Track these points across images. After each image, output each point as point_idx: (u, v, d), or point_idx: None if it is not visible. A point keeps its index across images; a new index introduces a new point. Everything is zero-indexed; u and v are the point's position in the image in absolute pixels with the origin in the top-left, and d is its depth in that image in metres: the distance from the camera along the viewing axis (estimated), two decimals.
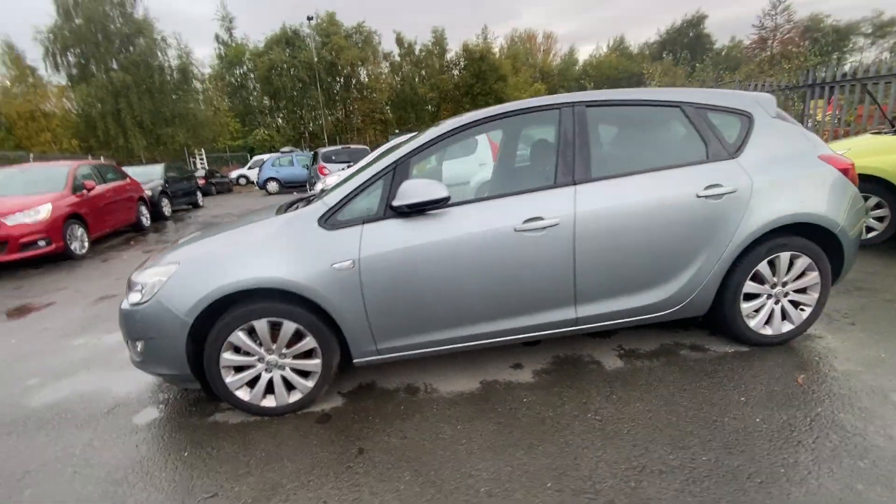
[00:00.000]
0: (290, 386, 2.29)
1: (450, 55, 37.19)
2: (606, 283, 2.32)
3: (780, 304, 2.51)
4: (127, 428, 2.32)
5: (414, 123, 34.66)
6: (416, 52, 36.10)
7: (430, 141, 2.30)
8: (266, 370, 2.25)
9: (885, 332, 2.62)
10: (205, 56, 43.69)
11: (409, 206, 2.11)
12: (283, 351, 2.23)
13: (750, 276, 2.42)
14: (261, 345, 2.21)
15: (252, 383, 2.26)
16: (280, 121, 34.27)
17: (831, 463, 1.70)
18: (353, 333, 2.22)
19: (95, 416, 2.44)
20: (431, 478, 1.80)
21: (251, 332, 2.18)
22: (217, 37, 32.15)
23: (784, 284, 2.48)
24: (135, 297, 2.21)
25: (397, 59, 36.16)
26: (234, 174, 23.85)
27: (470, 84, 34.33)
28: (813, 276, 2.46)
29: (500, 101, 36.82)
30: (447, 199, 2.13)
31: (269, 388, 2.28)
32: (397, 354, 2.31)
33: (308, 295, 2.12)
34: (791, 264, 2.44)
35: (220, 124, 29.89)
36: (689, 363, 2.47)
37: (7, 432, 2.36)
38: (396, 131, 29.54)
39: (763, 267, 2.41)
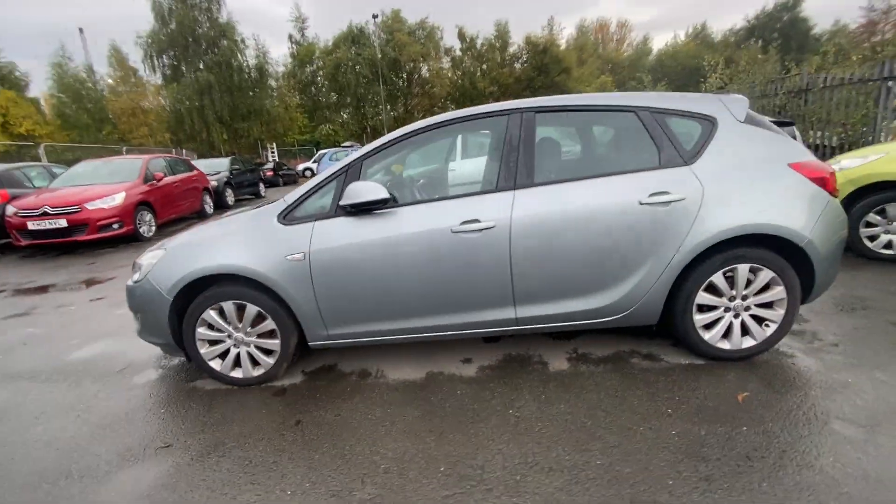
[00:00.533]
0: (255, 361, 2.59)
1: (512, 48, 36.74)
2: (545, 286, 2.37)
3: (740, 318, 2.40)
4: (127, 385, 2.75)
5: None
6: (478, 47, 36.01)
7: (381, 146, 2.48)
8: (234, 346, 2.57)
9: (866, 358, 2.40)
10: (279, 55, 46.63)
11: (353, 206, 2.31)
12: (248, 330, 2.53)
13: (704, 288, 2.34)
14: (229, 323, 2.52)
15: (223, 356, 2.59)
16: (345, 116, 35.85)
17: (729, 481, 1.67)
18: (306, 319, 2.47)
19: (108, 373, 2.92)
20: (344, 451, 2.00)
21: (221, 312, 2.50)
22: (290, 37, 34.28)
23: (744, 298, 2.37)
24: (135, 275, 2.62)
25: (458, 53, 36.32)
26: (300, 167, 25.45)
27: (531, 77, 33.70)
28: (778, 291, 2.33)
29: (562, 94, 35.91)
30: (387, 200, 2.30)
31: (238, 362, 2.59)
32: (347, 341, 2.53)
33: (265, 282, 2.39)
34: (751, 277, 2.32)
35: (290, 119, 31.97)
36: (635, 371, 2.45)
37: (44, 379, 2.90)
38: None
39: (718, 278, 2.32)
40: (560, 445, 1.92)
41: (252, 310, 2.47)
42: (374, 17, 32.19)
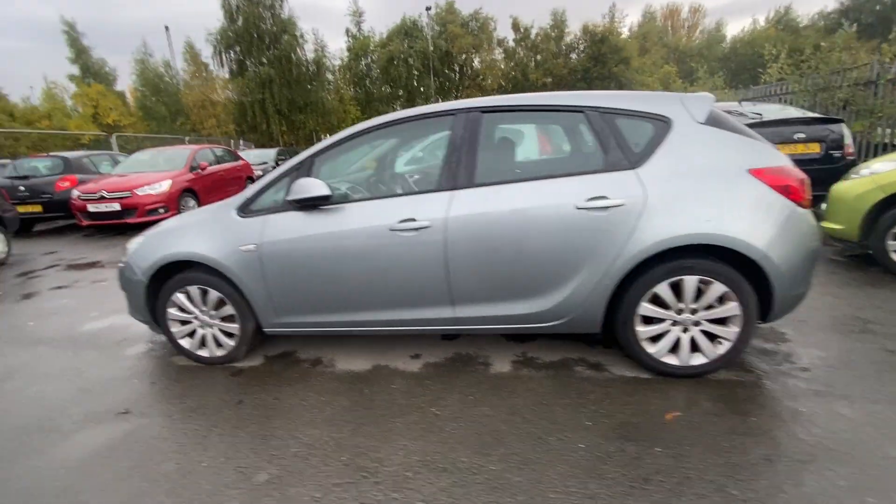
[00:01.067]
0: (218, 343, 2.80)
1: (569, 38, 35.46)
2: (481, 287, 2.36)
3: (689, 333, 2.26)
4: (119, 355, 3.07)
5: None
6: (532, 37, 35.11)
7: (331, 144, 2.56)
8: (200, 327, 2.79)
9: (836, 387, 2.17)
10: (336, 49, 48.14)
11: (297, 201, 2.42)
12: (212, 313, 2.74)
13: (648, 299, 2.22)
14: (196, 306, 2.74)
15: (192, 336, 2.82)
16: (397, 108, 36.47)
17: (616, 501, 1.61)
18: (259, 306, 2.63)
19: (108, 344, 3.27)
20: (266, 433, 2.13)
21: (189, 296, 2.73)
22: (347, 31, 35.25)
23: (694, 312, 2.22)
24: (123, 258, 2.91)
25: (512, 44, 35.64)
26: None
27: (586, 68, 32.41)
28: (731, 307, 2.16)
29: (620, 85, 34.22)
30: (327, 196, 2.39)
31: (204, 342, 2.81)
32: (297, 329, 2.67)
33: (222, 270, 2.57)
34: (701, 290, 2.17)
35: (344, 111, 33.05)
36: (573, 380, 2.38)
37: (57, 345, 3.30)
38: None
39: (663, 290, 2.19)
40: (464, 447, 1.93)
41: (214, 295, 2.67)
42: (428, 9, 32.33)
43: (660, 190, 2.13)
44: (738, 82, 25.37)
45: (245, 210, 2.61)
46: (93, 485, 1.86)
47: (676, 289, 2.19)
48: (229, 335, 2.77)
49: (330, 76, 34.53)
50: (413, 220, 2.32)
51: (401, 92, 34.98)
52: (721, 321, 2.22)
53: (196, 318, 2.76)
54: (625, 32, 36.53)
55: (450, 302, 2.41)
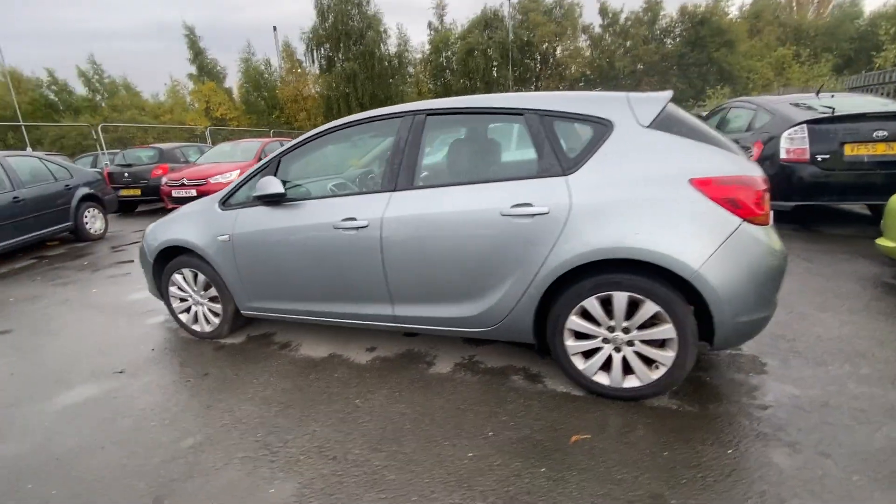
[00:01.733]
0: (207, 320, 3.16)
1: (664, 21, 32.67)
2: (416, 287, 2.39)
3: (621, 352, 2.10)
4: (140, 324, 3.59)
5: None
6: (622, 22, 32.89)
7: (294, 145, 2.74)
8: (194, 305, 3.16)
9: (788, 431, 1.89)
10: (417, 43, 49.10)
11: (257, 198, 2.64)
12: (202, 294, 3.09)
13: (578, 313, 2.11)
14: (189, 286, 3.11)
15: (188, 311, 3.21)
16: None
17: None
18: (235, 291, 2.92)
19: (137, 314, 3.82)
20: (210, 404, 2.39)
21: (184, 277, 3.10)
22: (430, 24, 35.87)
23: (626, 331, 2.06)
24: (142, 240, 3.39)
25: (598, 30, 33.71)
26: None
27: (681, 53, 29.64)
28: (666, 329, 1.98)
29: (720, 71, 30.81)
30: (281, 194, 2.57)
31: (197, 318, 3.19)
32: (266, 314, 2.91)
33: (205, 256, 2.90)
34: (633, 308, 2.01)
35: None
36: (502, 389, 2.33)
37: (100, 311, 3.93)
38: None
39: (592, 305, 2.06)
40: (363, 440, 2.02)
41: (201, 278, 3.02)
42: None
43: (587, 199, 2.00)
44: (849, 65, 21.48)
45: (225, 203, 2.90)
46: (64, 429, 2.25)
47: (608, 305, 2.05)
48: (216, 314, 3.11)
49: (411, 70, 35.54)
50: (354, 219, 2.42)
51: (478, 84, 34.88)
52: (658, 343, 2.04)
53: (190, 296, 3.14)
54: (733, 13, 32.69)
55: (389, 300, 2.48)
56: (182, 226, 3.04)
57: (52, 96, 30.11)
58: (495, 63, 33.51)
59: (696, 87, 28.36)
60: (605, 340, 2.11)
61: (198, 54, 32.81)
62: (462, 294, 2.30)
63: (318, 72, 32.80)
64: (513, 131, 2.30)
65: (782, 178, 4.72)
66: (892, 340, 2.54)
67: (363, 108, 30.97)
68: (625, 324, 2.05)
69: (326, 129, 2.66)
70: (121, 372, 2.81)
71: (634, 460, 1.78)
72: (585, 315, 2.10)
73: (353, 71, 29.90)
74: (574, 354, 2.18)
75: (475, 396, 2.29)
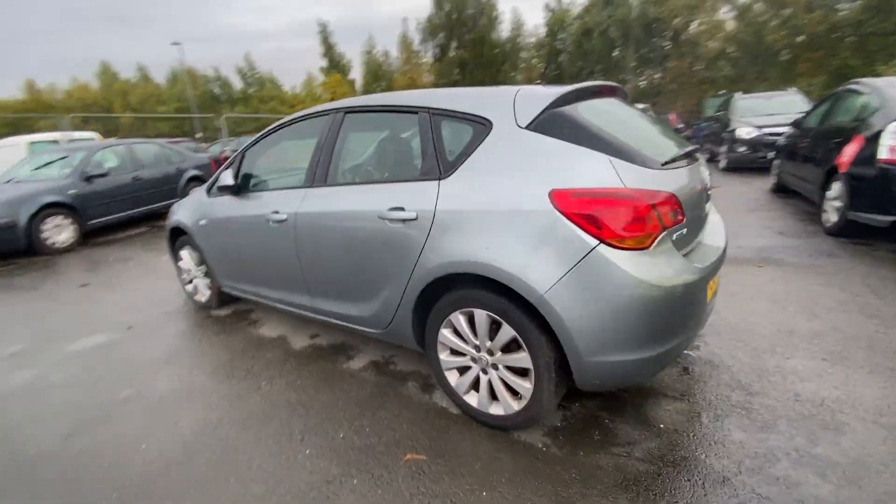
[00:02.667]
0: (202, 292, 3.63)
1: None
2: (324, 283, 2.46)
3: (488, 376, 1.92)
4: (173, 290, 4.25)
5: (750, 82, 27.62)
6: None
7: (253, 141, 2.95)
8: (194, 278, 3.65)
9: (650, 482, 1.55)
10: (532, 26, 47.08)
11: (218, 188, 2.93)
12: (197, 269, 3.56)
13: (448, 327, 1.97)
14: (189, 262, 3.61)
15: (191, 283, 3.72)
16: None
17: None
18: (213, 269, 3.31)
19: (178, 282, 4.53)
20: (160, 368, 2.78)
21: (188, 253, 3.60)
22: (546, 5, 34.34)
23: (491, 353, 1.88)
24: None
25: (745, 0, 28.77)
26: None
27: (858, 20, 23.85)
28: (523, 357, 1.76)
29: None
30: (231, 186, 2.82)
31: (197, 290, 3.68)
32: (236, 293, 3.25)
33: (194, 237, 3.33)
34: (496, 329, 1.82)
35: None
36: (391, 394, 2.29)
37: (156, 276, 4.73)
38: (723, 93, 24.39)
39: (458, 320, 1.92)
40: (237, 417, 2.18)
41: (195, 255, 3.48)
42: None
43: (450, 206, 1.84)
44: None
45: (209, 191, 3.27)
46: (64, 369, 2.84)
47: (474, 322, 1.89)
48: (208, 288, 3.56)
49: (524, 55, 34.65)
50: (278, 212, 2.57)
51: (596, 67, 32.55)
52: (520, 371, 1.82)
53: (191, 270, 3.64)
54: None
55: (307, 291, 2.59)
56: (183, 209, 3.51)
57: (216, 90, 36.03)
58: (618, 44, 30.89)
59: (875, 60, 22.73)
60: (474, 360, 1.95)
61: (328, 49, 36.23)
62: (357, 293, 2.31)
63: (432, 60, 33.88)
64: (411, 131, 2.19)
65: (880, 185, 3.67)
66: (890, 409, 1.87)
67: None
68: (488, 344, 1.86)
69: (277, 126, 2.84)
70: (129, 328, 3.41)
71: (448, 493, 1.65)
72: (455, 330, 1.96)
73: (464, 59, 30.23)
74: (448, 370, 2.05)
75: (360, 397, 2.30)
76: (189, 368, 2.72)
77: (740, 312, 2.89)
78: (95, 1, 78.95)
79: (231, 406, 2.29)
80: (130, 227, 7.50)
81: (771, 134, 8.24)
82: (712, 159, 11.74)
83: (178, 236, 3.63)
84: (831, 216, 4.37)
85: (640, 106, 6.38)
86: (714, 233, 2.21)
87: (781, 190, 6.62)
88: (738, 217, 5.51)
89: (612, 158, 1.64)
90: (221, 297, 3.55)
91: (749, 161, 8.92)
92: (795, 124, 6.02)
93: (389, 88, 34.38)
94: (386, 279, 2.12)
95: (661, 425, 1.91)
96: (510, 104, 1.83)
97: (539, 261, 1.61)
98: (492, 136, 1.83)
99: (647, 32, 30.02)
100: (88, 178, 6.41)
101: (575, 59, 32.85)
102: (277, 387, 2.45)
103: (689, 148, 2.08)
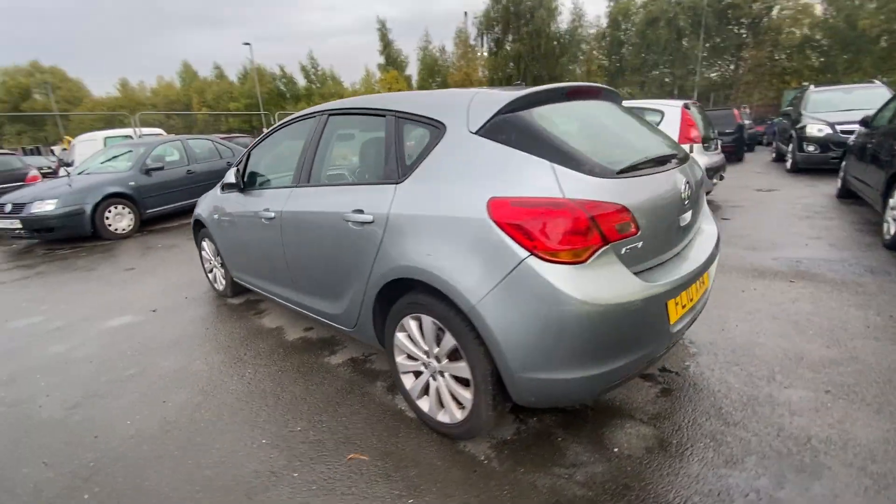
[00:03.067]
0: (220, 281, 3.88)
1: None
2: (305, 279, 2.55)
3: (437, 382, 1.90)
4: (201, 278, 4.58)
5: (840, 73, 24.84)
6: None
7: (257, 142, 3.10)
8: (214, 268, 3.91)
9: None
10: (593, 17, 44.96)
11: (222, 186, 3.11)
12: (214, 260, 3.81)
13: (402, 330, 1.98)
14: (208, 253, 3.87)
15: (211, 272, 4.00)
16: (654, 74, 32.23)
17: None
18: (226, 260, 3.53)
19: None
20: (176, 340, 3.02)
21: (207, 244, 3.87)
22: None
23: (438, 359, 1.86)
24: None
25: None
26: None
27: None
28: (462, 367, 1.73)
29: None
30: (234, 183, 2.99)
31: (216, 279, 3.95)
32: (244, 283, 3.44)
33: (210, 230, 3.57)
34: (441, 336, 1.81)
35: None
36: (356, 392, 2.34)
37: (191, 265, 5.12)
38: (805, 84, 22.21)
39: (408, 324, 1.92)
40: (212, 398, 2.32)
41: (213, 246, 3.73)
42: None
43: (401, 211, 1.84)
44: None
45: (222, 187, 3.49)
46: (89, 345, 3.16)
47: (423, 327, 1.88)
48: (223, 277, 3.81)
49: (584, 46, 33.40)
50: (268, 209, 2.69)
51: (665, 58, 30.70)
52: (463, 381, 1.78)
53: (210, 261, 3.91)
54: None
55: (293, 286, 2.70)
56: (203, 203, 3.77)
57: (281, 87, 38.04)
58: (688, 31, 28.94)
59: None
60: (425, 365, 1.94)
61: (386, 45, 37.00)
62: (330, 291, 2.37)
63: (487, 55, 33.58)
64: (380, 134, 2.20)
65: None
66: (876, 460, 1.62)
67: None
68: (436, 350, 1.85)
69: (278, 126, 2.96)
70: (154, 311, 3.73)
71: (377, 496, 1.66)
72: (409, 334, 1.96)
73: (519, 52, 29.67)
74: (404, 373, 2.06)
75: (328, 392, 2.36)
76: (191, 352, 2.93)
77: (750, 333, 2.64)
78: (181, 4, 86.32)
79: (214, 391, 2.44)
80: (184, 216, 8.14)
81: (845, 132, 7.37)
82: (780, 159, 10.72)
83: (200, 228, 3.90)
84: (892, 227, 3.85)
85: (688, 102, 5.94)
86: (699, 246, 2.03)
87: (848, 195, 5.93)
88: (787, 224, 5.01)
89: (555, 166, 1.55)
90: (234, 287, 3.78)
91: (819, 162, 8.06)
92: (864, 122, 5.35)
93: (444, 84, 34.51)
94: (350, 280, 2.16)
95: (616, 449, 1.80)
96: (465, 108, 1.79)
97: (473, 270, 1.57)
98: (444, 140, 1.80)
99: (721, 19, 27.84)
100: (147, 171, 7.04)
101: (638, 50, 31.18)
102: (260, 376, 2.57)
103: (668, 153, 1.92)
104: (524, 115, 1.72)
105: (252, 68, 33.24)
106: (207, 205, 3.63)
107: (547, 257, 1.46)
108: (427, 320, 1.81)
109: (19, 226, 6.10)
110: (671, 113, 5.62)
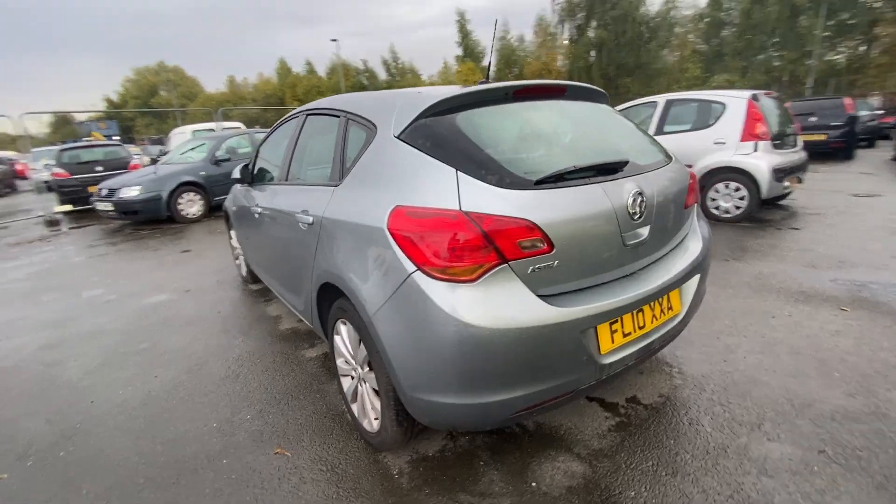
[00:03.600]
0: (244, 269, 4.18)
1: None
2: (280, 271, 2.66)
3: (362, 388, 1.88)
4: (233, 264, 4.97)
5: None
6: None
7: (263, 139, 3.26)
8: (240, 254, 4.22)
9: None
10: None
11: (233, 180, 3.33)
12: (239, 248, 4.11)
13: (336, 333, 1.99)
14: (233, 241, 4.18)
15: (237, 259, 4.32)
16: (761, 58, 28.53)
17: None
18: (244, 252, 3.79)
19: None
20: (188, 328, 3.33)
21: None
22: None
23: (361, 367, 1.84)
24: None
25: None
26: None
27: None
28: (373, 377, 1.70)
29: None
30: (239, 179, 3.18)
31: (240, 267, 4.26)
32: (256, 273, 3.68)
33: (232, 220, 3.86)
34: (360, 343, 1.79)
35: (680, 71, 28.99)
36: (315, 386, 2.40)
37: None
38: None
39: (338, 328, 1.93)
40: (186, 375, 2.52)
41: (236, 235, 4.03)
42: None
43: (333, 214, 1.83)
44: None
45: (240, 181, 3.73)
46: (123, 319, 3.59)
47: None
48: (245, 263, 4.10)
49: (678, 30, 30.61)
50: (257, 204, 2.84)
51: (771, 40, 27.16)
52: (378, 392, 1.75)
53: (236, 248, 4.22)
54: None
55: (278, 278, 2.82)
56: (230, 195, 4.07)
57: (364, 81, 39.71)
58: (805, 7, 25.26)
59: None
60: (354, 370, 1.93)
61: (465, 37, 36.91)
62: (295, 286, 2.43)
63: (567, 43, 32.13)
64: (333, 132, 2.18)
65: None
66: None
67: (606, 79, 28.85)
68: (360, 357, 1.83)
69: (277, 124, 3.10)
70: (187, 291, 4.13)
71: (282, 493, 1.69)
72: (342, 338, 1.96)
73: (602, 38, 27.96)
74: (343, 375, 2.06)
75: (288, 385, 2.45)
76: (198, 332, 3.20)
77: (757, 368, 2.27)
78: (283, 2, 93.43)
79: (198, 372, 2.65)
80: None
81: None
82: None
83: (228, 218, 4.23)
84: None
85: (758, 92, 5.19)
86: (667, 266, 1.78)
87: None
88: (869, 239, 4.22)
89: (461, 175, 1.44)
90: (252, 274, 4.05)
91: None
92: None
93: (521, 75, 33.68)
94: (303, 278, 2.20)
95: (534, 484, 1.65)
96: (393, 110, 1.72)
97: (374, 281, 1.52)
98: (373, 144, 1.75)
99: None
100: (216, 162, 7.77)
101: (742, 31, 27.83)
102: (240, 362, 2.74)
103: (620, 160, 1.68)
104: (446, 119, 1.61)
105: (338, 63, 35.10)
106: (231, 197, 3.92)
107: (434, 273, 1.36)
108: (349, 326, 1.80)
109: (112, 208, 7.07)
110: (735, 106, 4.95)
